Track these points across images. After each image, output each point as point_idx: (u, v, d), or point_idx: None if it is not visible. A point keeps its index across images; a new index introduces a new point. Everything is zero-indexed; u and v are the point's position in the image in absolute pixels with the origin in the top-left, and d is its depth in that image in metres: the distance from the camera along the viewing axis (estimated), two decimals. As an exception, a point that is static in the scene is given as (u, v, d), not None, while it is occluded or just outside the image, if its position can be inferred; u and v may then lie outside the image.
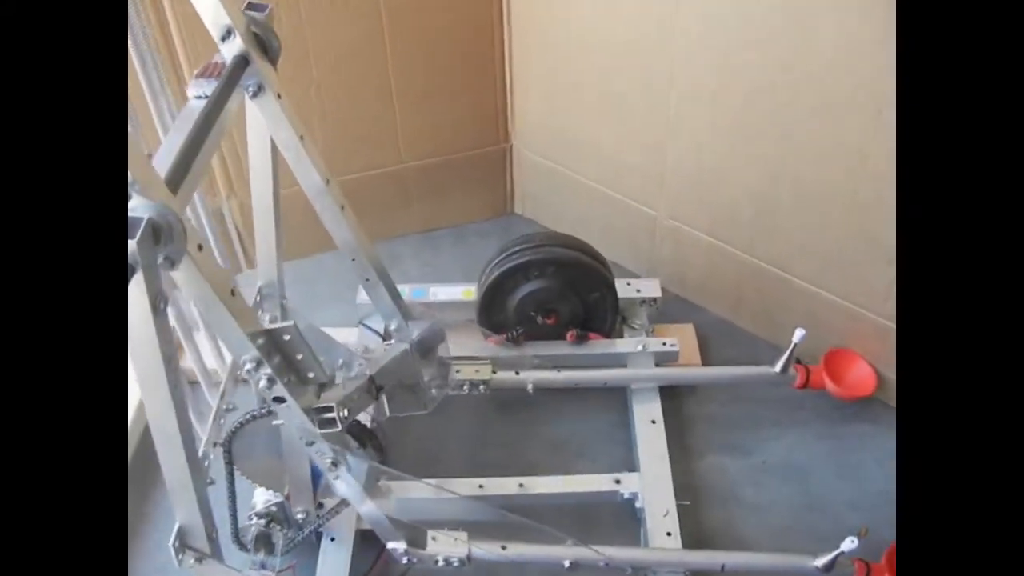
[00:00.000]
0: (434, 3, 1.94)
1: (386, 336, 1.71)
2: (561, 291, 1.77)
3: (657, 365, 1.82)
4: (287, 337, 1.21)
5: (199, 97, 1.26)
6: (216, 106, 1.21)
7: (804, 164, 1.67)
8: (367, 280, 1.57)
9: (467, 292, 1.93)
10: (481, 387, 1.74)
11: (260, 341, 1.19)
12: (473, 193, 2.30)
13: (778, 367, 1.74)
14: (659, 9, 1.71)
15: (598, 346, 1.83)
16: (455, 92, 2.10)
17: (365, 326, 1.85)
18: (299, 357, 1.25)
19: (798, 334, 1.66)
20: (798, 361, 1.76)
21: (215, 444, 1.53)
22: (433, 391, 1.66)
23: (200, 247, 1.06)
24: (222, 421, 1.58)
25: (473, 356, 1.77)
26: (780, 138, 1.68)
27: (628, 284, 1.92)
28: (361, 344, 1.84)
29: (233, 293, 1.14)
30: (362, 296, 1.97)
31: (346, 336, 1.90)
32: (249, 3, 1.30)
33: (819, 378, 1.77)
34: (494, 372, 1.75)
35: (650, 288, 1.92)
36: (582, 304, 1.80)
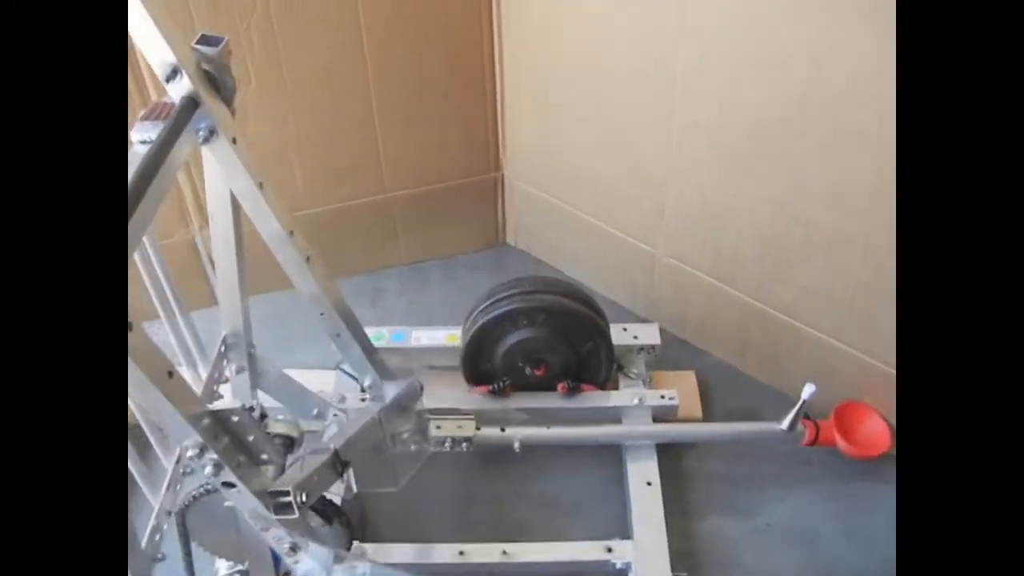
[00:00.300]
0: (418, 23, 1.81)
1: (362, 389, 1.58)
2: (551, 341, 1.65)
3: (655, 419, 1.69)
4: (235, 419, 1.09)
5: (144, 142, 1.14)
6: (161, 152, 1.09)
7: (815, 204, 1.54)
8: (338, 336, 1.45)
9: (451, 337, 1.80)
10: (464, 445, 1.62)
11: (205, 423, 1.07)
12: (462, 224, 2.17)
13: (785, 424, 1.61)
14: (659, 36, 1.58)
15: (591, 399, 1.70)
16: (442, 118, 1.97)
17: (343, 371, 1.73)
18: (250, 439, 1.12)
19: (807, 390, 1.53)
20: (806, 416, 1.63)
21: (168, 513, 1.41)
22: (412, 447, 1.54)
23: (131, 326, 0.94)
24: (178, 487, 1.46)
25: (455, 410, 1.64)
26: (789, 176, 1.55)
27: (624, 330, 1.79)
28: (338, 392, 1.72)
29: (171, 375, 1.01)
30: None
31: (322, 381, 1.79)
32: (202, 36, 1.17)
33: (829, 435, 1.64)
34: (478, 428, 1.63)
35: (648, 335, 1.79)
36: (574, 354, 1.68)
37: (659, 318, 1.98)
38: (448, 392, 1.70)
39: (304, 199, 2.00)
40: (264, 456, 1.15)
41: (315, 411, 1.72)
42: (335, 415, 1.72)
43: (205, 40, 1.16)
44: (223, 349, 1.57)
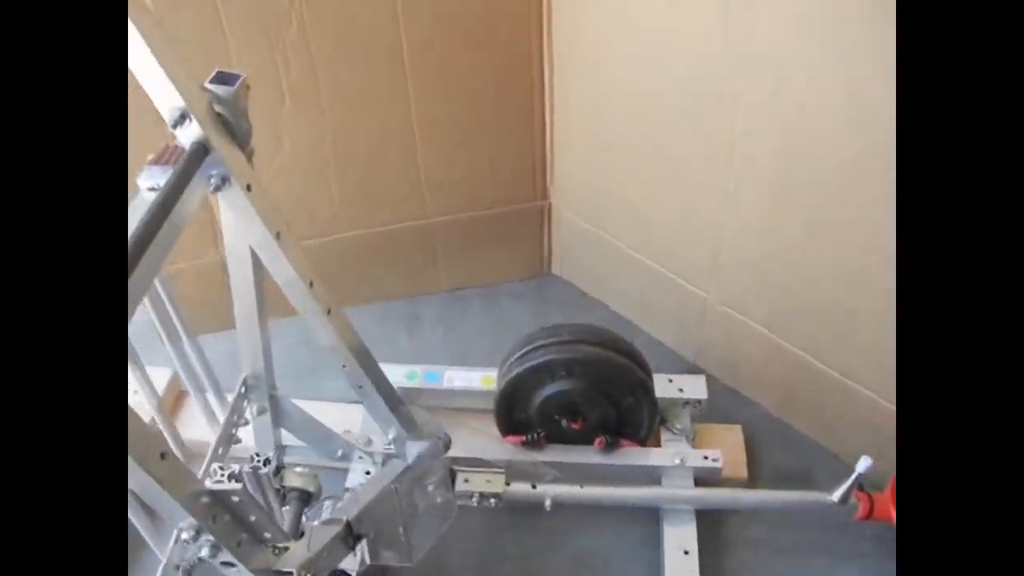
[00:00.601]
0: (464, 45, 1.71)
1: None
2: (590, 394, 1.55)
3: (697, 480, 1.58)
4: (236, 499, 1.01)
5: (152, 189, 1.06)
6: (167, 202, 1.01)
7: (883, 266, 1.41)
8: (360, 388, 1.36)
9: (486, 380, 1.71)
10: (492, 500, 1.53)
11: (203, 502, 0.99)
12: (506, 252, 2.08)
13: (837, 496, 1.49)
14: (717, 66, 1.47)
15: (630, 455, 1.60)
16: (488, 143, 1.87)
17: (370, 411, 1.64)
18: (252, 519, 1.04)
19: (862, 464, 1.41)
20: (860, 487, 1.51)
21: (177, 567, 1.34)
22: (437, 499, 1.45)
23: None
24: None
25: (484, 462, 1.55)
26: (863, 238, 1.42)
27: (670, 381, 1.68)
28: (364, 434, 1.64)
29: (164, 456, 0.93)
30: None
31: (348, 417, 1.70)
32: (218, 73, 1.09)
33: (885, 508, 1.52)
34: (508, 484, 1.54)
35: (695, 388, 1.68)
36: (614, 408, 1.58)
37: (708, 364, 1.87)
38: (479, 439, 1.61)
39: (341, 222, 1.92)
40: (268, 535, 1.07)
41: (340, 452, 1.65)
42: (360, 458, 1.65)
43: (221, 78, 1.08)
44: (243, 390, 1.50)
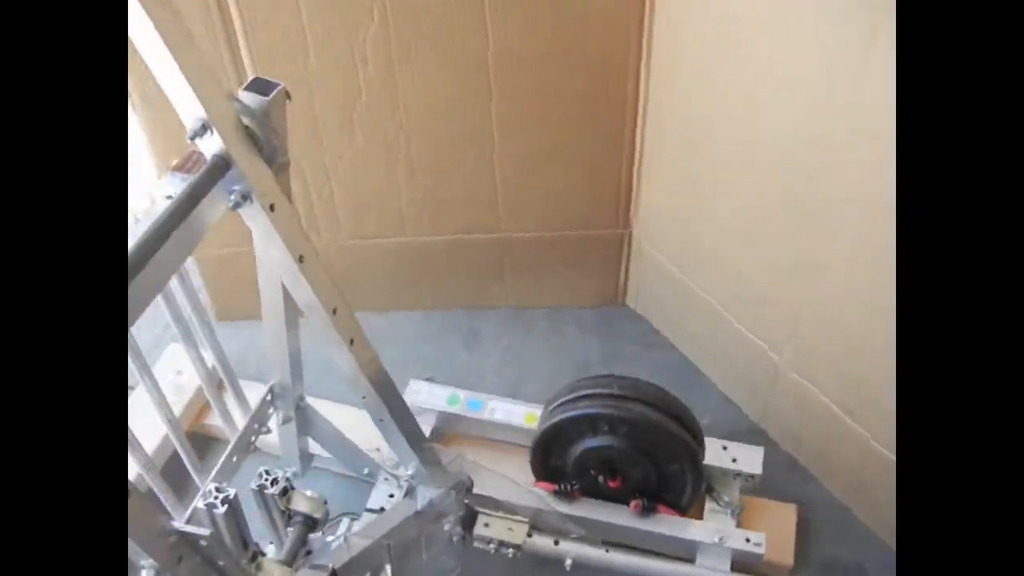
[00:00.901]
0: (554, 58, 1.59)
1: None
2: (632, 454, 1.44)
3: (734, 563, 1.45)
4: (204, 543, 0.94)
5: (168, 197, 0.99)
6: (179, 212, 0.94)
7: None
8: (380, 421, 1.28)
9: (530, 417, 1.61)
10: (511, 551, 1.43)
11: (170, 541, 0.92)
12: (578, 276, 1.96)
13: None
14: (821, 130, 1.32)
15: (666, 524, 1.48)
16: (570, 162, 1.75)
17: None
18: (220, 563, 0.97)
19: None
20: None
21: None
22: (453, 539, 1.37)
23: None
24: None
25: (509, 507, 1.46)
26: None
27: (724, 448, 1.55)
28: (392, 456, 1.56)
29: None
30: (413, 389, 1.69)
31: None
32: (255, 80, 1.01)
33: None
34: (529, 535, 1.44)
35: (750, 460, 1.54)
36: (656, 472, 1.46)
37: (772, 429, 1.74)
38: (507, 482, 1.51)
39: (408, 226, 1.84)
40: (238, 578, 1.00)
41: (365, 470, 1.58)
42: (385, 480, 1.57)
43: (257, 85, 1.00)
44: (269, 397, 1.43)
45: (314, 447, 1.58)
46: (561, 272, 1.95)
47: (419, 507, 1.26)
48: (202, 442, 1.73)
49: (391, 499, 1.54)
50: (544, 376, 1.87)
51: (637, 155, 1.75)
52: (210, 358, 1.43)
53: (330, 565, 1.12)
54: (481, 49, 1.56)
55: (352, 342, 1.16)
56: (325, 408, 1.52)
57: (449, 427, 1.69)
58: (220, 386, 1.49)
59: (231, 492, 1.12)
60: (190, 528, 0.92)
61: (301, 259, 1.06)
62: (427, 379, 1.79)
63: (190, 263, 1.95)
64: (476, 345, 1.96)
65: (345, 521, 1.57)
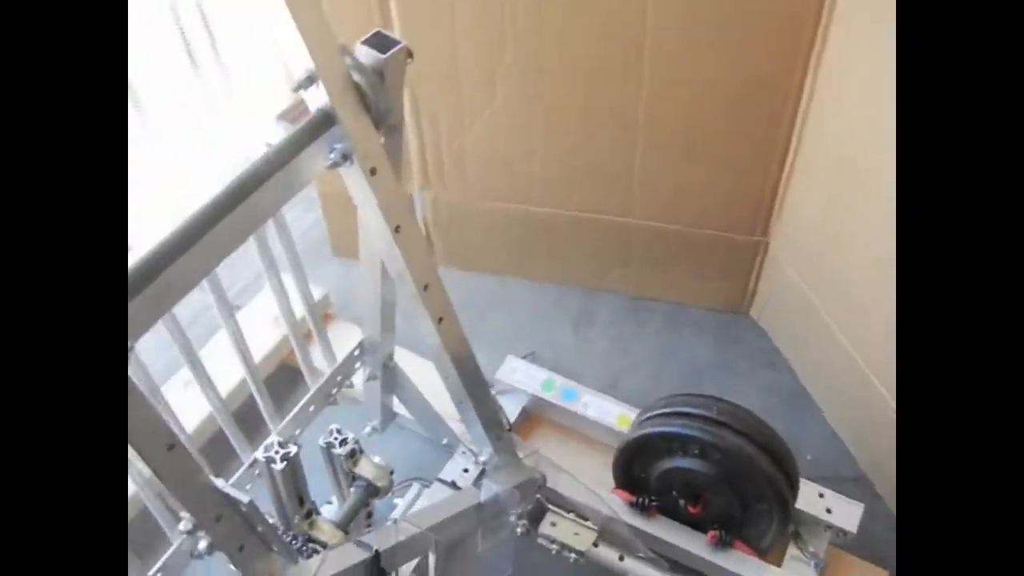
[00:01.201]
0: (717, 47, 1.48)
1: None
2: (720, 485, 1.34)
3: (804, 621, 1.36)
4: (244, 509, 0.90)
5: (269, 144, 0.95)
6: (274, 161, 0.89)
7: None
8: (460, 403, 1.22)
9: (622, 419, 1.54)
10: (573, 556, 1.37)
11: (212, 498, 0.89)
12: (704, 277, 1.86)
13: None
14: None
15: (741, 562, 1.38)
16: (715, 158, 1.64)
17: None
18: (259, 528, 0.94)
19: None
20: None
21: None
22: (517, 530, 1.32)
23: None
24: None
25: (579, 512, 1.39)
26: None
27: (821, 496, 1.44)
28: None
29: (172, 448, 0.83)
30: (510, 366, 1.63)
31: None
32: (376, 33, 0.94)
33: None
34: (595, 544, 1.38)
35: (846, 516, 1.42)
36: (741, 507, 1.37)
37: (880, 483, 1.62)
38: (586, 478, 1.44)
39: (539, 194, 1.77)
40: (275, 547, 0.97)
41: (445, 440, 1.54)
42: (463, 453, 1.52)
43: (377, 41, 0.93)
44: (357, 352, 1.40)
45: (398, 406, 1.54)
46: (687, 269, 1.85)
47: (482, 500, 1.20)
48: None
49: (465, 474, 1.50)
50: (647, 374, 1.79)
51: (788, 166, 1.62)
52: (301, 307, 1.38)
53: (374, 547, 1.08)
54: (639, 27, 1.47)
55: (441, 320, 1.10)
56: (416, 366, 1.48)
57: (539, 411, 1.63)
58: (308, 336, 1.45)
59: (293, 450, 1.09)
60: (230, 490, 0.89)
61: (398, 229, 1.01)
62: (527, 355, 1.74)
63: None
64: (585, 328, 1.88)
65: (415, 487, 1.53)
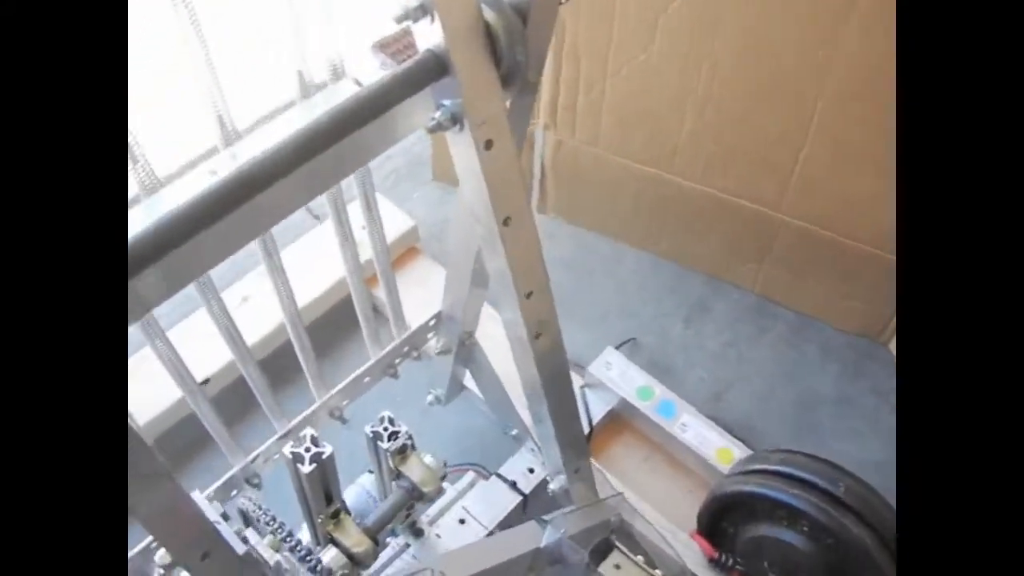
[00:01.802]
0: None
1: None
2: (821, 570, 1.12)
3: None
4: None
5: (357, 83, 0.73)
6: (358, 113, 0.67)
7: None
8: (540, 423, 1.01)
9: (724, 454, 1.31)
10: (632, 607, 1.17)
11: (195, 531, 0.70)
12: (847, 294, 1.59)
13: None
14: None
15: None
16: (890, 173, 1.36)
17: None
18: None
19: None
20: None
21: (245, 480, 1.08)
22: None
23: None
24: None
25: (649, 559, 1.18)
26: None
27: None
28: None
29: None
30: (606, 359, 1.41)
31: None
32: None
33: None
34: (660, 599, 1.17)
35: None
36: (840, 598, 1.14)
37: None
38: (668, 507, 1.23)
39: (680, 163, 1.52)
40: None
41: (514, 432, 1.34)
42: (531, 450, 1.33)
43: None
44: (432, 323, 1.19)
45: (468, 379, 1.34)
46: (828, 280, 1.58)
47: (542, 545, 1.00)
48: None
49: (530, 475, 1.31)
50: (758, 392, 1.55)
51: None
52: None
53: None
54: (844, 5, 1.20)
55: (538, 336, 0.88)
56: (497, 342, 1.27)
57: (628, 416, 1.42)
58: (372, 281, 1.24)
59: (326, 451, 0.90)
60: (223, 531, 0.69)
61: (507, 221, 0.78)
62: (626, 342, 1.52)
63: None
64: (698, 322, 1.64)
65: (470, 476, 1.35)
